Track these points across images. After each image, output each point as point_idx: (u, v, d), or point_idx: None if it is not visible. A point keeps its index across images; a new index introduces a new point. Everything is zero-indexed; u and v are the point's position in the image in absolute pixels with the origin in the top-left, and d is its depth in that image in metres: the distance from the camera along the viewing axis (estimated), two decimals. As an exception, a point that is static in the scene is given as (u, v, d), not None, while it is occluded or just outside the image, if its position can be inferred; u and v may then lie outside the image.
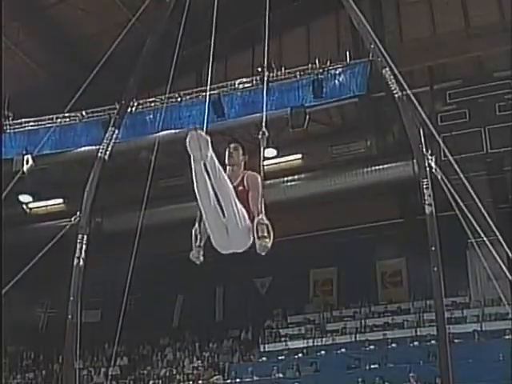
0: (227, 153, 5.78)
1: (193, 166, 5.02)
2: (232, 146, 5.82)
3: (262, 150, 6.07)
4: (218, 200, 5.27)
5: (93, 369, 22.08)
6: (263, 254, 5.42)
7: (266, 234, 5.40)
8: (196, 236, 5.71)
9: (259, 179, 5.70)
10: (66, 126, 18.02)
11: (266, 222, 5.46)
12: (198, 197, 5.29)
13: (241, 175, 5.71)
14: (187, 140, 4.84)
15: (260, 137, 6.15)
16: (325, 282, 23.63)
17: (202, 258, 5.74)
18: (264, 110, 7.48)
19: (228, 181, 5.29)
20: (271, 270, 22.25)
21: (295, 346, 19.90)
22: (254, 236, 5.42)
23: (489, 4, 18.55)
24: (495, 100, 18.23)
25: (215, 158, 5.06)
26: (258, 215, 5.46)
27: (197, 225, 5.72)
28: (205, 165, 5.01)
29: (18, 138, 18.19)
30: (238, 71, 18.19)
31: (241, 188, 5.61)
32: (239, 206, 5.34)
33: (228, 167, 5.74)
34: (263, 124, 6.28)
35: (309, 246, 23.60)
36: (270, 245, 5.42)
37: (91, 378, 21.48)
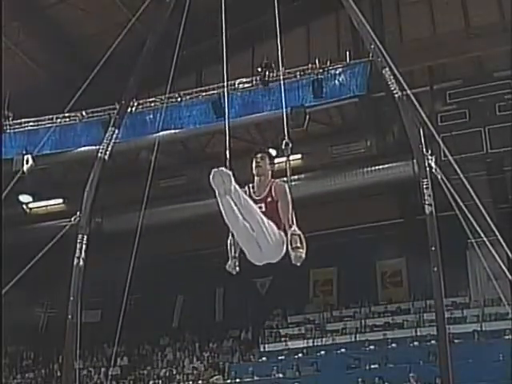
0: (254, 162, 5.74)
1: (219, 200, 5.11)
2: (259, 155, 5.76)
3: (286, 158, 6.12)
4: (246, 221, 5.33)
5: (93, 369, 22.08)
6: (298, 264, 5.50)
7: (299, 245, 5.49)
8: (231, 247, 5.76)
9: (287, 189, 5.69)
10: (66, 126, 18.05)
11: (299, 232, 5.54)
12: (227, 222, 5.32)
13: (269, 185, 5.70)
14: (211, 177, 4.98)
15: (283, 147, 6.18)
16: (325, 282, 23.62)
17: (237, 269, 5.79)
18: (283, 118, 7.36)
19: (254, 205, 5.36)
20: (271, 270, 22.10)
21: (295, 345, 19.91)
22: (287, 247, 5.50)
23: (489, 4, 18.55)
24: (495, 100, 18.24)
25: (239, 190, 5.15)
26: (291, 227, 5.53)
27: (231, 236, 5.73)
28: (230, 197, 5.11)
29: (18, 138, 18.22)
30: (238, 71, 18.18)
31: (269, 199, 5.64)
32: (267, 223, 5.39)
33: (256, 177, 5.74)
34: (285, 134, 6.30)
35: (309, 246, 23.58)
36: (304, 255, 5.51)
37: (91, 378, 21.47)
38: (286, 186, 5.75)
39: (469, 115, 18.48)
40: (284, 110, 8.90)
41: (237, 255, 5.78)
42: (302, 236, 5.55)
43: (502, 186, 20.14)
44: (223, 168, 5.06)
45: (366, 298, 21.66)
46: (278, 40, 7.47)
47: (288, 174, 6.06)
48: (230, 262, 5.78)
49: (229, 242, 5.78)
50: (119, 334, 10.14)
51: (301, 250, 5.49)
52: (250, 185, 5.77)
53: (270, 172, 5.77)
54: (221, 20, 7.46)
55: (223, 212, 5.23)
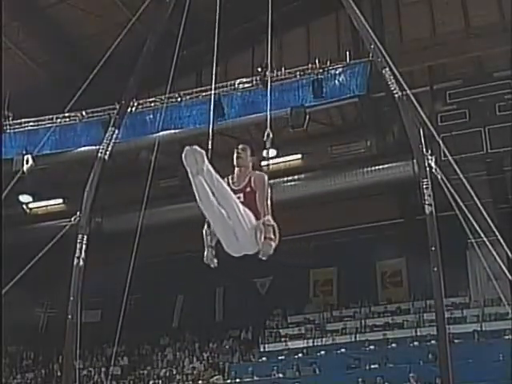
0: (235, 154, 5.76)
1: (192, 181, 5.06)
2: (240, 147, 5.81)
3: (267, 150, 6.11)
4: (222, 207, 5.26)
5: (93, 369, 22.08)
6: (264, 258, 5.39)
7: (272, 236, 5.37)
8: (207, 236, 5.73)
9: (265, 179, 5.66)
10: (66, 125, 18.04)
11: (273, 223, 5.43)
12: (201, 207, 5.29)
13: (248, 176, 5.68)
14: (183, 156, 4.91)
15: (265, 139, 6.18)
16: (325, 282, 23.61)
17: (215, 260, 5.70)
18: (268, 110, 7.47)
19: (228, 188, 5.29)
20: (271, 269, 22.24)
21: (295, 346, 19.88)
22: (258, 237, 5.39)
23: (489, 4, 18.55)
24: (495, 100, 18.22)
25: (212, 170, 5.08)
26: (265, 216, 5.43)
27: (206, 226, 5.71)
28: (203, 177, 5.04)
29: (18, 138, 18.21)
30: (238, 71, 18.19)
31: (248, 189, 5.59)
32: (243, 210, 5.31)
33: (236, 168, 5.73)
34: (268, 125, 6.31)
35: (309, 246, 23.62)
36: (274, 246, 5.39)
37: (91, 378, 21.47)
38: (265, 176, 5.69)
39: (469, 115, 18.46)
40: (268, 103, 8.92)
41: (213, 244, 5.69)
42: (275, 227, 5.43)
43: (502, 186, 20.13)
44: (196, 146, 4.97)
45: (365, 298, 21.64)
46: (269, 43, 7.37)
47: (268, 164, 6.12)
48: (206, 252, 5.70)
49: (204, 231, 5.72)
50: (119, 334, 10.15)
51: (272, 243, 5.36)
52: (230, 176, 5.71)
53: (250, 164, 5.77)
54: (213, 20, 7.46)
55: (197, 195, 5.16)
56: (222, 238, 5.51)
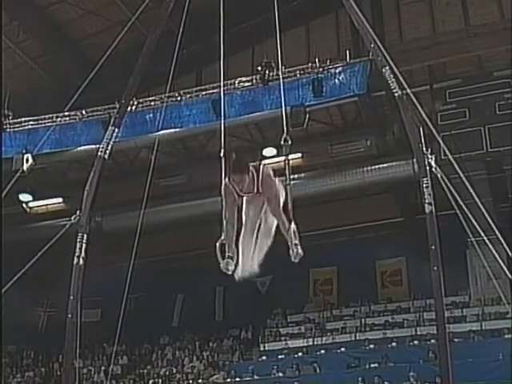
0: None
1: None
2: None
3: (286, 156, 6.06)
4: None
5: (93, 368, 22.09)
6: (297, 260, 5.52)
7: (297, 242, 5.50)
8: (223, 247, 5.66)
9: (276, 184, 5.59)
10: (66, 125, 18.05)
11: (295, 228, 5.53)
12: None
13: (252, 180, 5.50)
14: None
15: (282, 143, 6.08)
16: (325, 282, 23.63)
17: (233, 267, 5.74)
18: (283, 114, 7.23)
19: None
20: (271, 269, 22.16)
21: (295, 345, 19.90)
22: (289, 244, 5.51)
23: (489, 3, 18.55)
24: (495, 99, 18.23)
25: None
26: (290, 222, 5.51)
27: (224, 237, 5.64)
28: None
29: (18, 137, 18.22)
30: (237, 71, 18.19)
31: (257, 194, 5.56)
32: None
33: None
34: (284, 131, 6.21)
35: (309, 245, 23.54)
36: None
37: (91, 377, 21.48)
38: (275, 181, 5.61)
39: (469, 114, 18.47)
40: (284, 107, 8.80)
41: (232, 255, 5.69)
42: (296, 231, 5.51)
43: (501, 185, 20.12)
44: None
45: (365, 297, 21.66)
46: (279, 38, 7.34)
47: (287, 173, 5.95)
48: (225, 260, 5.65)
49: (217, 244, 5.63)
50: (119, 333, 10.14)
51: (300, 248, 5.48)
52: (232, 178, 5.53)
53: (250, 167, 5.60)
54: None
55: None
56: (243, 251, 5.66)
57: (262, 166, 5.56)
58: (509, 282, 8.24)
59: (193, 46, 17.71)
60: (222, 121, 7.08)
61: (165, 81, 10.58)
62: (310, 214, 22.61)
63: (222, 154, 5.85)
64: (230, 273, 5.76)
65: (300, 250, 5.48)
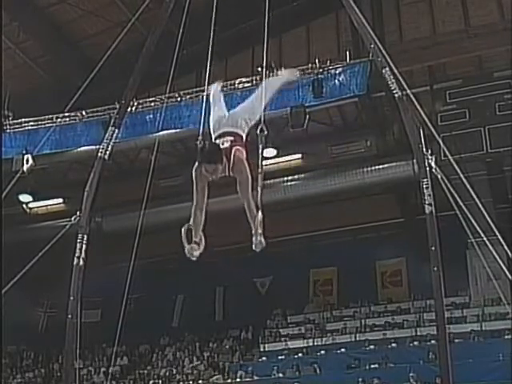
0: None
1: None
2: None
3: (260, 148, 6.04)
4: None
5: (93, 368, 22.09)
6: (258, 250, 5.39)
7: (261, 231, 5.38)
8: (188, 232, 5.60)
9: (247, 169, 5.55)
10: (66, 125, 18.05)
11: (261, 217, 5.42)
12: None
13: (224, 165, 5.57)
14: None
15: (258, 133, 6.12)
16: (325, 282, 23.61)
17: (198, 253, 5.63)
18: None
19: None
20: (271, 270, 22.26)
21: (295, 345, 19.88)
22: (253, 233, 5.38)
23: (489, 4, 18.54)
24: (495, 100, 18.22)
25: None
26: (258, 209, 5.39)
27: (192, 222, 5.60)
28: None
29: (18, 138, 18.21)
30: (237, 71, 18.18)
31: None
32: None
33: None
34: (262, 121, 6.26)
35: (309, 245, 23.61)
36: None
37: (91, 378, 21.48)
38: (246, 165, 5.58)
39: (469, 115, 18.46)
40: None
41: (198, 241, 5.60)
42: (261, 221, 5.42)
43: (502, 186, 20.11)
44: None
45: (365, 298, 21.64)
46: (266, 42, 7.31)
47: (260, 163, 5.90)
48: (190, 246, 5.56)
49: (183, 229, 5.58)
50: (119, 334, 10.14)
51: (263, 238, 5.37)
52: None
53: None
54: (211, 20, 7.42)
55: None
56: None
57: (233, 149, 5.61)
58: (509, 283, 8.25)
59: (193, 46, 17.67)
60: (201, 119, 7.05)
61: (165, 81, 10.59)
62: (310, 215, 22.70)
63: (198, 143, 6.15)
64: (194, 259, 5.64)
65: (263, 240, 5.35)
